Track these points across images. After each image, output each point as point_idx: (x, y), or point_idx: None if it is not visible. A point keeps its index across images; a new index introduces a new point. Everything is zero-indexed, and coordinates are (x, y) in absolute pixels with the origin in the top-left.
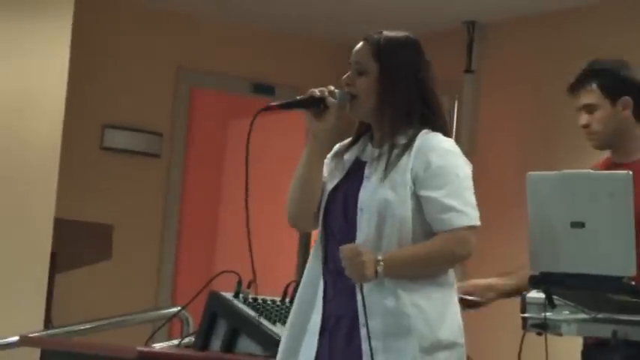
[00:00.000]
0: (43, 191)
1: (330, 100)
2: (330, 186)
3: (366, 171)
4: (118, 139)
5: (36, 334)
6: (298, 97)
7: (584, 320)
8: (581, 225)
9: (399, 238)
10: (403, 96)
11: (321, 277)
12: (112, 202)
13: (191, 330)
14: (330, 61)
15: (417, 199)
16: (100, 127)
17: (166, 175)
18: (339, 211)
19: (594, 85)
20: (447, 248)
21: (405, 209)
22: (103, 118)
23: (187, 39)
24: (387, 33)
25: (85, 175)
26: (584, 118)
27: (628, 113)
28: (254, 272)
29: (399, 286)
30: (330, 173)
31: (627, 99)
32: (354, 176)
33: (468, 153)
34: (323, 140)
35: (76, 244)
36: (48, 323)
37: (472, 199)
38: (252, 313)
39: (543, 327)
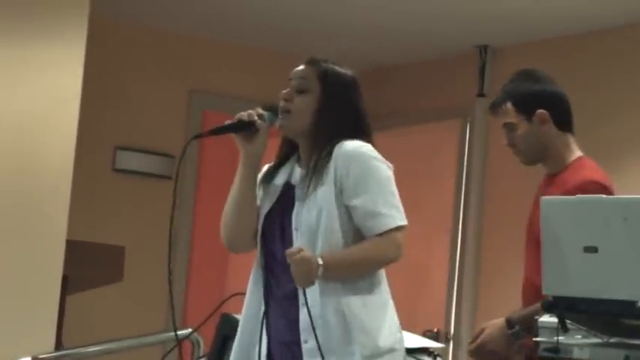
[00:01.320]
0: (54, 213)
1: (260, 122)
2: (263, 211)
3: (297, 192)
4: (130, 160)
5: (47, 355)
6: (227, 122)
7: (596, 345)
8: (595, 250)
9: (330, 250)
10: (338, 120)
11: (262, 302)
12: (123, 224)
13: (202, 352)
14: None
15: (345, 208)
16: (112, 148)
17: (178, 197)
18: (277, 235)
19: (509, 104)
20: (379, 251)
21: (333, 221)
22: (115, 140)
23: (199, 62)
24: (332, 63)
25: (96, 196)
26: (506, 138)
27: (547, 126)
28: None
29: (337, 298)
30: (261, 198)
31: (541, 112)
32: (285, 199)
33: (480, 177)
34: (254, 163)
35: (87, 265)
36: (59, 345)
37: (394, 200)
38: None
39: (556, 351)
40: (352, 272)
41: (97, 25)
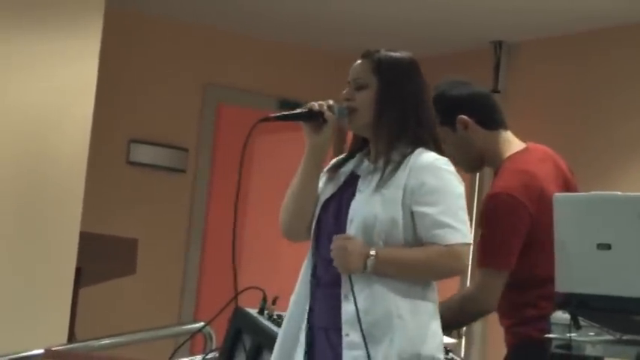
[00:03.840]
0: (68, 205)
1: (329, 114)
2: (323, 197)
3: (360, 184)
4: (144, 153)
5: (60, 347)
6: (297, 110)
7: (609, 342)
8: (608, 247)
9: (389, 246)
10: (399, 112)
11: (309, 287)
12: (137, 217)
13: (214, 346)
14: None
15: (410, 215)
16: (126, 141)
17: (191, 191)
18: (330, 221)
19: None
20: (443, 261)
21: (393, 225)
22: (129, 133)
23: (215, 55)
24: (386, 50)
25: (110, 189)
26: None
27: (472, 129)
28: (236, 286)
29: (387, 297)
30: (324, 184)
31: (461, 118)
32: (347, 189)
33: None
34: (320, 154)
35: (100, 258)
36: (72, 337)
37: (465, 217)
38: (276, 329)
39: (568, 348)
40: (408, 273)
41: (112, 18)
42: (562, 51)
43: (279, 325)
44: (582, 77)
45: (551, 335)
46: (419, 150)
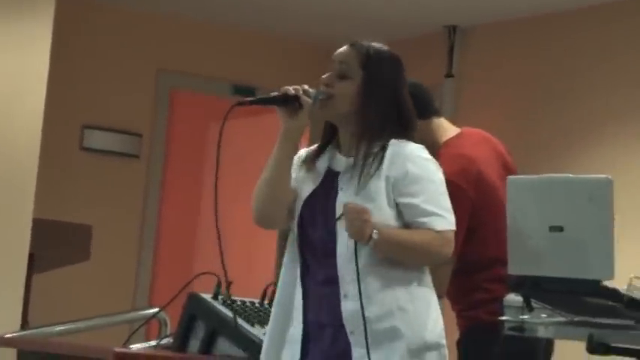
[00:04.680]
0: (21, 191)
1: (305, 98)
2: (304, 194)
3: (340, 182)
4: (97, 139)
5: (12, 334)
6: (272, 94)
7: (561, 323)
8: (560, 229)
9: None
10: (381, 108)
11: (299, 285)
12: (91, 203)
13: (169, 331)
14: (310, 63)
15: (396, 206)
16: (79, 127)
17: (145, 176)
18: (318, 221)
19: None
20: (436, 245)
21: (383, 217)
22: (82, 119)
23: (167, 40)
24: (375, 44)
25: (64, 175)
26: None
27: None
28: (225, 273)
29: (384, 290)
30: (302, 180)
31: None
32: (328, 186)
33: None
34: (294, 139)
35: (54, 244)
36: (25, 324)
37: (448, 204)
38: (230, 314)
39: (520, 330)
40: (403, 253)
41: (64, 4)
42: (515, 35)
43: (233, 309)
44: (535, 61)
45: (503, 317)
46: (395, 141)
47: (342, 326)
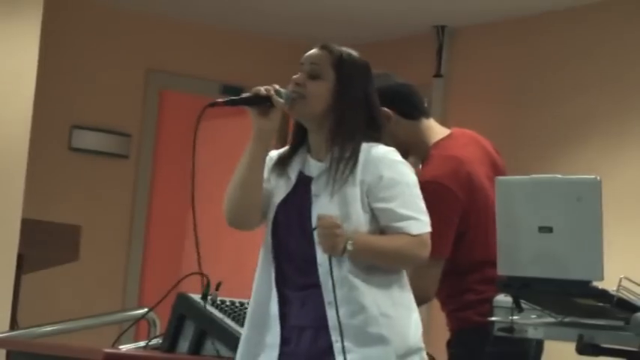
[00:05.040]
0: (10, 191)
1: (277, 99)
2: (277, 199)
3: (314, 188)
4: (86, 139)
5: (1, 335)
6: (244, 95)
7: (551, 324)
8: (549, 229)
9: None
10: (353, 110)
11: (274, 289)
12: (79, 203)
13: (158, 332)
14: (299, 63)
15: (370, 211)
16: (68, 127)
17: (134, 177)
18: (295, 228)
19: None
20: (412, 248)
21: (359, 223)
22: (71, 119)
23: (157, 41)
24: (345, 48)
25: (52, 175)
26: None
27: (395, 121)
28: (202, 275)
29: (367, 297)
30: (274, 185)
31: (383, 110)
32: (302, 192)
33: None
34: (266, 139)
35: (43, 244)
36: (14, 324)
37: (423, 206)
38: (219, 315)
39: (510, 330)
40: (380, 259)
41: (52, 3)
42: (504, 35)
43: (222, 310)
44: (524, 61)
45: (493, 318)
46: (367, 145)
47: (324, 327)
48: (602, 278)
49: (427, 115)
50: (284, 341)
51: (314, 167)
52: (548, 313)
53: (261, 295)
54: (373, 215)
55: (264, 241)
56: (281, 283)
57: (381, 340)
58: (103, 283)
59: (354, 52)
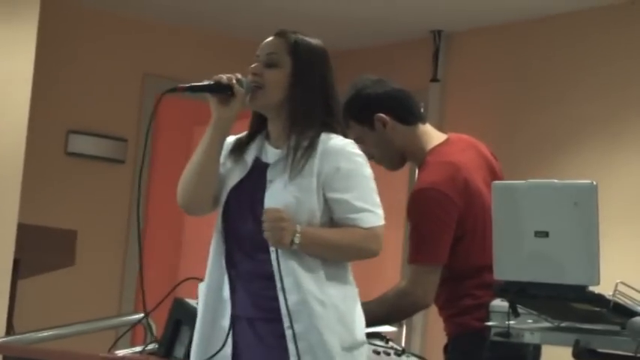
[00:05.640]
0: (6, 196)
1: (238, 87)
2: (230, 183)
3: (269, 174)
4: (82, 144)
5: None
6: (205, 82)
7: (547, 329)
8: (545, 234)
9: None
10: (311, 97)
11: (225, 276)
12: (76, 208)
13: (155, 337)
14: None
15: (324, 201)
16: (64, 132)
17: (131, 181)
18: (246, 214)
19: (350, 120)
20: (364, 242)
21: (312, 213)
22: (67, 124)
23: (153, 45)
24: (300, 34)
25: (49, 180)
26: (364, 152)
27: (391, 126)
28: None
29: (317, 287)
30: (229, 169)
31: (378, 116)
32: (257, 177)
33: None
34: (225, 128)
35: (39, 249)
36: (10, 329)
37: (378, 199)
38: None
39: (507, 335)
40: (330, 252)
41: (49, 8)
42: (500, 40)
43: None
44: (520, 66)
45: (490, 323)
46: (325, 135)
47: (276, 320)
48: (598, 283)
49: (423, 121)
50: (233, 329)
51: (271, 154)
52: (545, 318)
53: (213, 280)
54: (326, 206)
55: (216, 225)
56: (230, 269)
57: (328, 331)
58: (99, 288)
59: (311, 39)
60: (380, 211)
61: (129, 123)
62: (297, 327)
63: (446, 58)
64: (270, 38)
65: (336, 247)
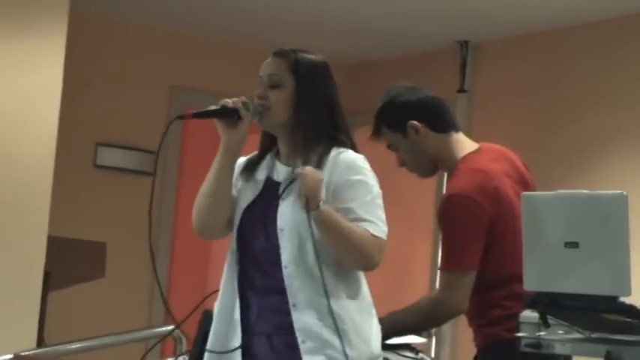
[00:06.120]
0: (36, 209)
1: (244, 111)
2: (243, 203)
3: (281, 190)
4: (111, 157)
5: (28, 352)
6: (212, 107)
7: (578, 340)
8: (576, 245)
9: (316, 255)
10: (316, 113)
11: (237, 297)
12: (105, 220)
13: (184, 349)
14: None
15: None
16: (93, 145)
17: (159, 194)
18: (259, 231)
19: (383, 127)
20: (370, 247)
21: None
22: (96, 136)
23: (181, 58)
24: (300, 51)
25: (78, 193)
26: (397, 159)
27: (423, 134)
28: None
29: (333, 300)
30: (240, 189)
31: (411, 123)
32: (268, 195)
33: None
34: (235, 151)
35: (69, 262)
36: (40, 342)
37: (383, 215)
38: None
39: (537, 346)
40: (340, 237)
41: (77, 21)
42: (527, 50)
43: None
44: (547, 75)
45: (520, 334)
46: (336, 150)
47: (290, 335)
48: (629, 293)
49: (457, 129)
50: (246, 347)
51: (282, 171)
52: (576, 329)
53: (225, 303)
54: None
55: (230, 246)
56: (245, 286)
57: (346, 344)
58: (129, 299)
59: (312, 54)
60: (384, 227)
61: (156, 135)
62: (312, 341)
63: (473, 69)
64: (269, 59)
65: (348, 234)
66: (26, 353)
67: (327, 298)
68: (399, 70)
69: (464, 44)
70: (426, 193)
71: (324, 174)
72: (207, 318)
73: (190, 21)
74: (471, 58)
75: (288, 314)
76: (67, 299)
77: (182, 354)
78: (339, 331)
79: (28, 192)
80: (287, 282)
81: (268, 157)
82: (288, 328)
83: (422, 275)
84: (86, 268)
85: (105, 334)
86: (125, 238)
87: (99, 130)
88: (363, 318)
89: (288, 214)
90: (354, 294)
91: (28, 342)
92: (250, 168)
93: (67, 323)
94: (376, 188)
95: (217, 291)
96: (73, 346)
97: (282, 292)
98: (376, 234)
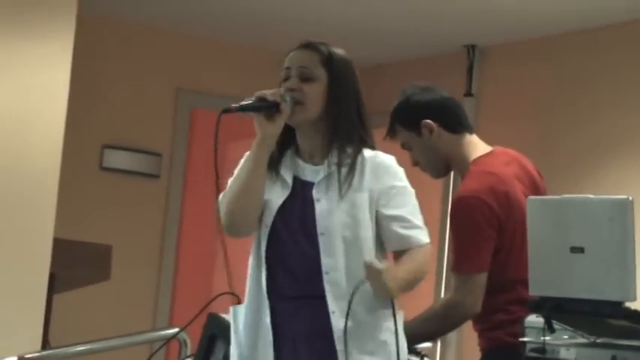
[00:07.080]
0: (42, 211)
1: (284, 104)
2: (273, 204)
3: (316, 192)
4: (117, 159)
5: (33, 354)
6: (251, 100)
7: (583, 345)
8: (581, 250)
9: (362, 260)
10: (348, 110)
11: (266, 301)
12: (111, 223)
13: (189, 352)
14: None
15: (375, 219)
16: (99, 147)
17: (165, 196)
18: (297, 235)
19: (398, 126)
20: (425, 261)
21: (367, 230)
22: (102, 139)
23: (187, 60)
24: (328, 45)
25: (84, 195)
26: (410, 158)
27: (437, 134)
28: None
29: (375, 310)
30: (269, 188)
31: (426, 122)
32: (301, 196)
33: None
34: (271, 145)
35: (74, 264)
36: (45, 344)
37: (422, 218)
38: None
39: (542, 351)
40: (412, 286)
41: (84, 23)
42: (534, 54)
43: None
44: (554, 80)
45: (525, 339)
46: (368, 151)
47: (328, 339)
48: (634, 299)
49: (470, 131)
50: (278, 353)
51: (309, 171)
52: (581, 334)
53: (252, 306)
54: (378, 224)
55: (255, 247)
56: (272, 291)
57: (383, 347)
58: (134, 302)
59: (339, 50)
60: (426, 230)
61: (163, 138)
62: (349, 348)
63: (480, 73)
64: (298, 50)
65: (416, 281)
66: (31, 355)
67: (371, 309)
68: (406, 74)
69: (471, 48)
70: (432, 197)
71: (364, 177)
72: (211, 321)
73: (197, 23)
74: (477, 62)
75: (327, 320)
76: (73, 302)
77: (187, 357)
78: (378, 340)
79: (34, 194)
80: (327, 288)
81: (288, 155)
82: (326, 333)
83: (427, 279)
84: (92, 271)
85: (110, 336)
86: (131, 240)
87: (105, 132)
88: (399, 329)
89: (329, 216)
90: (388, 308)
91: (33, 344)
92: (272, 165)
93: (72, 325)
94: (413, 191)
95: (223, 294)
96: (78, 349)
97: (319, 297)
98: (427, 240)
